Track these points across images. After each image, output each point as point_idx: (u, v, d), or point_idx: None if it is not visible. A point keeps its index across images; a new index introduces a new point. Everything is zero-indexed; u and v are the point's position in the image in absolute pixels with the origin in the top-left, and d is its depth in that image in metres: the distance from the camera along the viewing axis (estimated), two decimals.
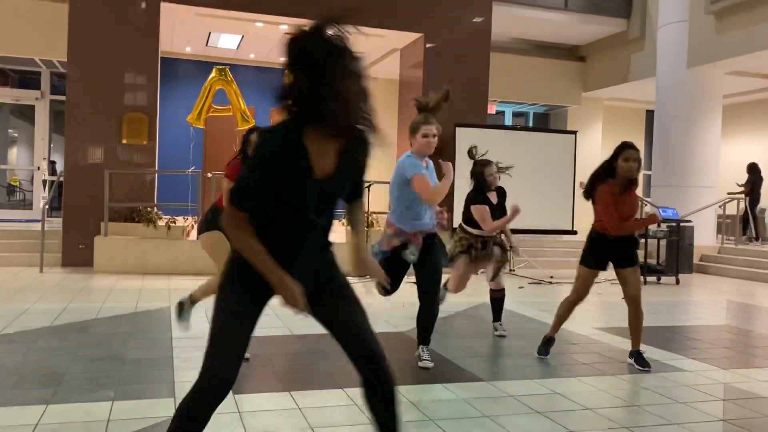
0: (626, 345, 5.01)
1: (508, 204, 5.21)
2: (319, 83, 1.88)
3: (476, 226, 5.19)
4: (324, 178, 2.01)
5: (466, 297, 7.53)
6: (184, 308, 4.42)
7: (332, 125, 1.94)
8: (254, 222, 2.02)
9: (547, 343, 4.70)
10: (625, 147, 4.31)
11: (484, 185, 5.14)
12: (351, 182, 2.16)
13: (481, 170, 5.16)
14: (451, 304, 6.79)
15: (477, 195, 5.14)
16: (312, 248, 2.12)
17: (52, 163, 12.77)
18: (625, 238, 4.35)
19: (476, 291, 8.11)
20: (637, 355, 4.44)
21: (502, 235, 5.37)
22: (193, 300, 4.40)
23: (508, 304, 6.04)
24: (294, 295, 2.03)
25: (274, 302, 2.11)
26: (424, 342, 4.33)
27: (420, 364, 4.23)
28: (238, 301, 2.08)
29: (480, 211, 5.07)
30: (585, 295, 4.50)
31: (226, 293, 2.10)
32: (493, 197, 5.19)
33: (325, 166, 2.01)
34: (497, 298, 5.44)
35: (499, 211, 5.19)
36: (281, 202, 2.01)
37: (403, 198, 4.21)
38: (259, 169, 1.95)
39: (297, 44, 1.91)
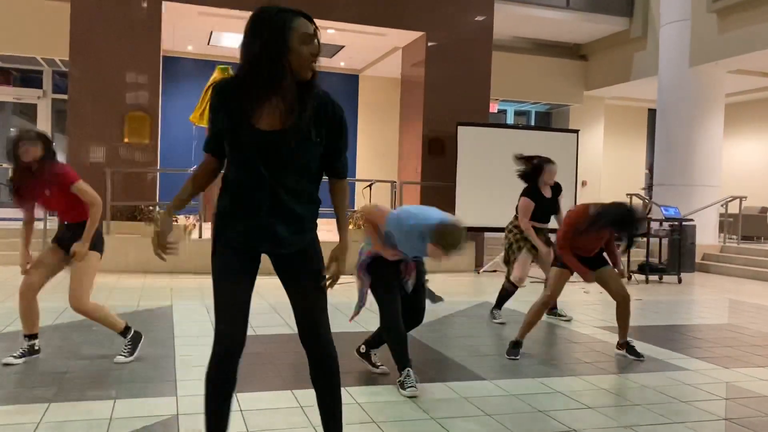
0: None
1: (564, 203, 5.81)
2: (256, 51, 2.10)
3: (534, 219, 5.62)
4: (269, 130, 2.15)
5: (466, 296, 7.54)
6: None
7: (260, 84, 2.12)
8: (227, 174, 2.27)
9: (516, 346, 4.57)
10: None
11: (540, 180, 5.62)
12: (315, 147, 2.22)
13: (541, 165, 5.61)
14: (451, 303, 6.78)
15: (531, 189, 5.63)
16: (263, 206, 2.21)
17: None
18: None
19: (477, 290, 8.11)
20: (628, 346, 4.62)
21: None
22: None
23: (508, 303, 6.03)
24: (157, 237, 2.34)
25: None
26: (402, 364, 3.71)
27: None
28: (224, 266, 2.28)
29: (525, 205, 5.58)
30: (557, 295, 4.69)
31: (215, 260, 2.31)
32: (546, 192, 5.70)
33: (272, 120, 2.16)
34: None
35: (551, 205, 5.72)
36: (230, 149, 2.21)
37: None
38: (210, 118, 2.27)
39: (250, 21, 2.14)
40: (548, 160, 5.71)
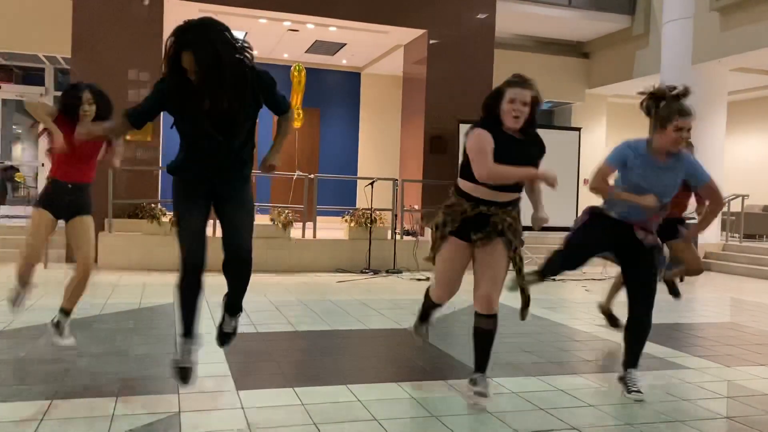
0: None
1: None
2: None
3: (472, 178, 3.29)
4: (214, 107, 2.94)
5: (468, 293, 7.51)
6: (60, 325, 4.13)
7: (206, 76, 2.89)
8: (185, 142, 3.14)
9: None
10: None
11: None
12: (253, 115, 3.08)
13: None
14: (453, 301, 6.75)
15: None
16: (221, 157, 3.06)
17: None
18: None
19: None
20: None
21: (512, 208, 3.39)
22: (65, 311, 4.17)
23: (510, 301, 5.94)
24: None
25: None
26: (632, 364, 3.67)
27: (631, 396, 3.58)
28: (185, 197, 3.11)
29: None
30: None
31: (176, 196, 3.14)
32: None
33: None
34: (485, 331, 3.39)
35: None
36: (188, 124, 3.05)
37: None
38: (148, 99, 3.04)
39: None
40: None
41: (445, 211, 3.45)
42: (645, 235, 3.62)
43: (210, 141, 3.01)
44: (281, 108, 3.23)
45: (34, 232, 3.97)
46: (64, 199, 3.95)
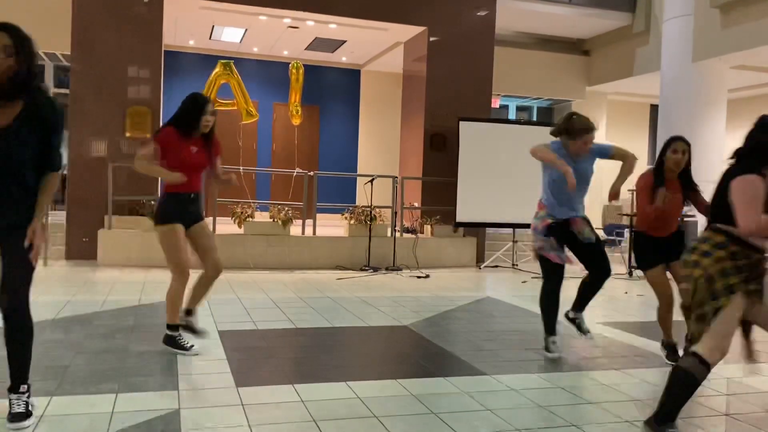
0: (629, 339, 5.02)
1: None
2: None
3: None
4: None
5: (467, 291, 7.51)
6: (175, 339, 4.14)
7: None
8: None
9: (669, 348, 4.50)
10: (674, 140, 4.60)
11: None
12: (31, 143, 2.69)
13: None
14: (452, 298, 6.77)
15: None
16: None
17: None
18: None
19: (478, 286, 8.10)
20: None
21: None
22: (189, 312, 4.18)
23: (510, 299, 6.00)
24: None
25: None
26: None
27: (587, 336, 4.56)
28: None
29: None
30: (669, 292, 4.41)
31: None
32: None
33: None
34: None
35: None
36: None
37: (547, 183, 4.52)
38: None
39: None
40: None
41: (735, 264, 2.88)
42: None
43: None
44: (54, 162, 2.85)
45: (178, 248, 4.00)
46: (189, 209, 4.08)
